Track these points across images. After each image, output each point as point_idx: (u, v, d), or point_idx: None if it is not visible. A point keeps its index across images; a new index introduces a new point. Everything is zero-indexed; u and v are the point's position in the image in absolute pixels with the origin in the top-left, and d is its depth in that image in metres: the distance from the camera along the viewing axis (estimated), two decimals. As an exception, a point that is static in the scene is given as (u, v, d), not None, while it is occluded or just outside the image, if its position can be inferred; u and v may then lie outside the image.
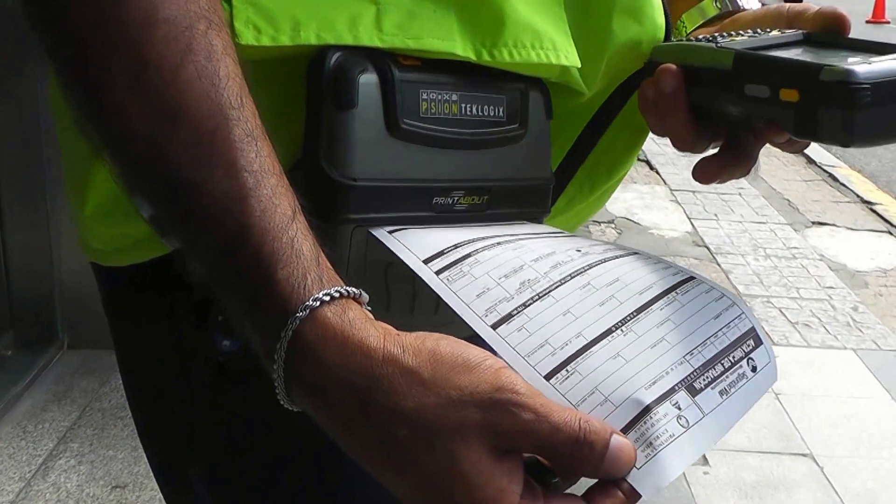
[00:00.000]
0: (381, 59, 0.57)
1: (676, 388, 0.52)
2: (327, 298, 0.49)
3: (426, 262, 0.57)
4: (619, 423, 0.50)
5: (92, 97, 0.49)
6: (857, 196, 4.99)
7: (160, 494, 0.79)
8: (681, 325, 0.55)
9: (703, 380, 0.53)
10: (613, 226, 4.33)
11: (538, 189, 0.67)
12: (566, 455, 0.48)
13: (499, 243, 0.59)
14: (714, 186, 4.97)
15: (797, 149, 0.70)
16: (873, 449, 2.62)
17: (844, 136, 0.59)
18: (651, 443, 0.50)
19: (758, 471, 2.49)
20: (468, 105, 0.61)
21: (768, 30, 0.69)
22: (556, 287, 0.56)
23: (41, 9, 0.49)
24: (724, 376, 0.54)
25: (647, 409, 0.50)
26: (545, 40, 0.62)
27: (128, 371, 0.75)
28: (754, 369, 0.56)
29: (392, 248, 0.58)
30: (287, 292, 0.48)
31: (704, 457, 2.52)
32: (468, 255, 0.57)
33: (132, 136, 0.49)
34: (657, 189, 4.94)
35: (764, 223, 4.50)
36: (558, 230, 0.66)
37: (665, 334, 0.54)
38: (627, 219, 4.45)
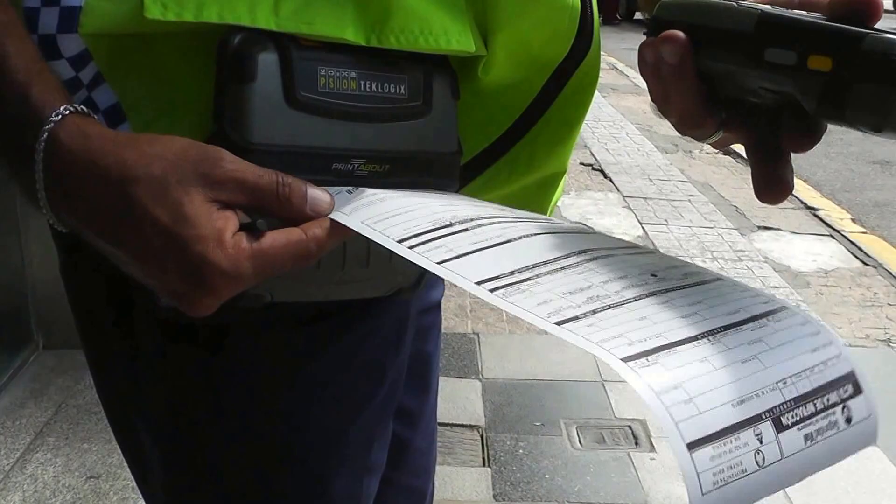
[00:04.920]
0: (283, 40, 0.62)
1: (764, 416, 0.45)
2: (76, 109, 0.58)
3: (479, 283, 0.53)
4: (705, 429, 0.44)
5: None
6: (802, 203, 5.14)
7: (133, 483, 0.81)
8: (774, 350, 0.48)
9: (792, 416, 0.46)
10: (568, 232, 4.46)
11: (443, 161, 0.70)
12: (273, 194, 0.58)
13: (562, 268, 0.54)
14: (665, 194, 5.14)
15: (803, 147, 0.60)
16: (809, 434, 2.77)
17: (878, 118, 0.51)
18: (723, 469, 0.44)
19: (701, 455, 2.62)
20: (367, 82, 0.65)
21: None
22: (631, 301, 0.50)
23: None
24: (814, 419, 0.47)
25: (730, 429, 0.44)
26: (435, 27, 0.65)
27: (84, 337, 0.79)
28: (848, 420, 0.49)
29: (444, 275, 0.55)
30: (40, 106, 0.57)
31: (651, 443, 2.66)
32: (528, 279, 0.53)
33: None
34: (610, 196, 5.08)
35: (712, 228, 4.62)
36: (626, 244, 0.61)
37: (758, 353, 0.48)
38: (581, 224, 4.56)
